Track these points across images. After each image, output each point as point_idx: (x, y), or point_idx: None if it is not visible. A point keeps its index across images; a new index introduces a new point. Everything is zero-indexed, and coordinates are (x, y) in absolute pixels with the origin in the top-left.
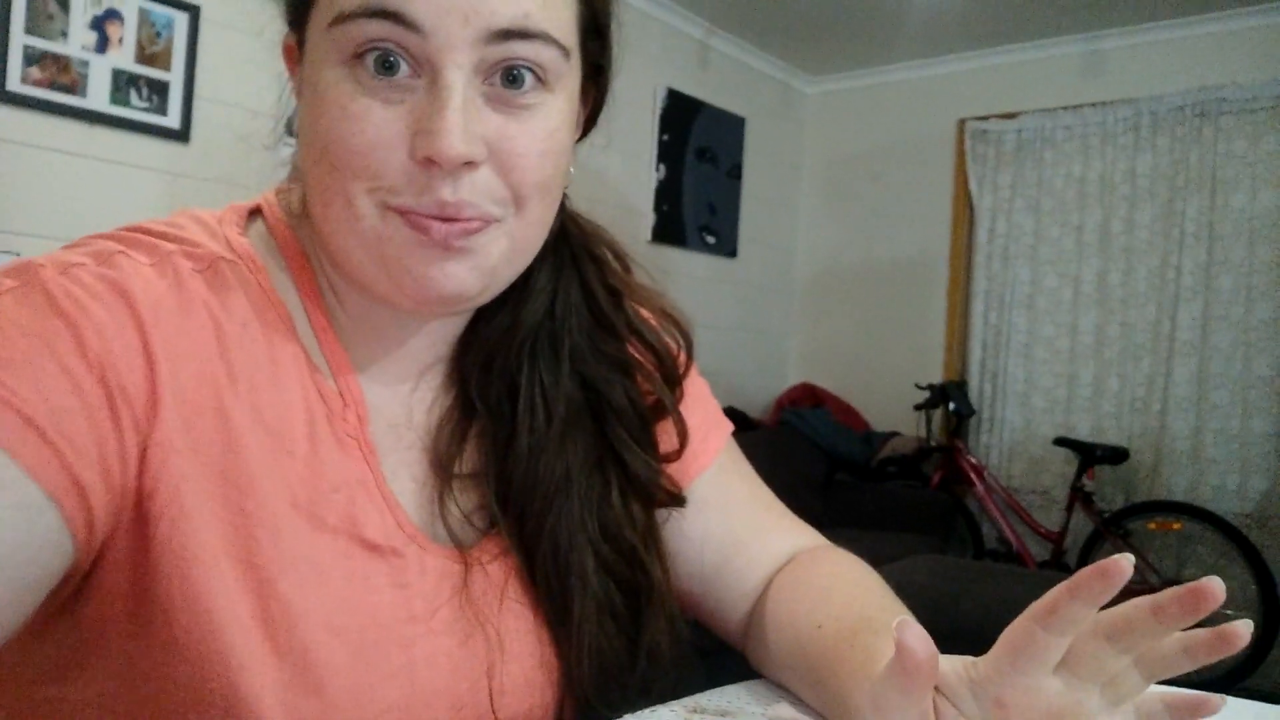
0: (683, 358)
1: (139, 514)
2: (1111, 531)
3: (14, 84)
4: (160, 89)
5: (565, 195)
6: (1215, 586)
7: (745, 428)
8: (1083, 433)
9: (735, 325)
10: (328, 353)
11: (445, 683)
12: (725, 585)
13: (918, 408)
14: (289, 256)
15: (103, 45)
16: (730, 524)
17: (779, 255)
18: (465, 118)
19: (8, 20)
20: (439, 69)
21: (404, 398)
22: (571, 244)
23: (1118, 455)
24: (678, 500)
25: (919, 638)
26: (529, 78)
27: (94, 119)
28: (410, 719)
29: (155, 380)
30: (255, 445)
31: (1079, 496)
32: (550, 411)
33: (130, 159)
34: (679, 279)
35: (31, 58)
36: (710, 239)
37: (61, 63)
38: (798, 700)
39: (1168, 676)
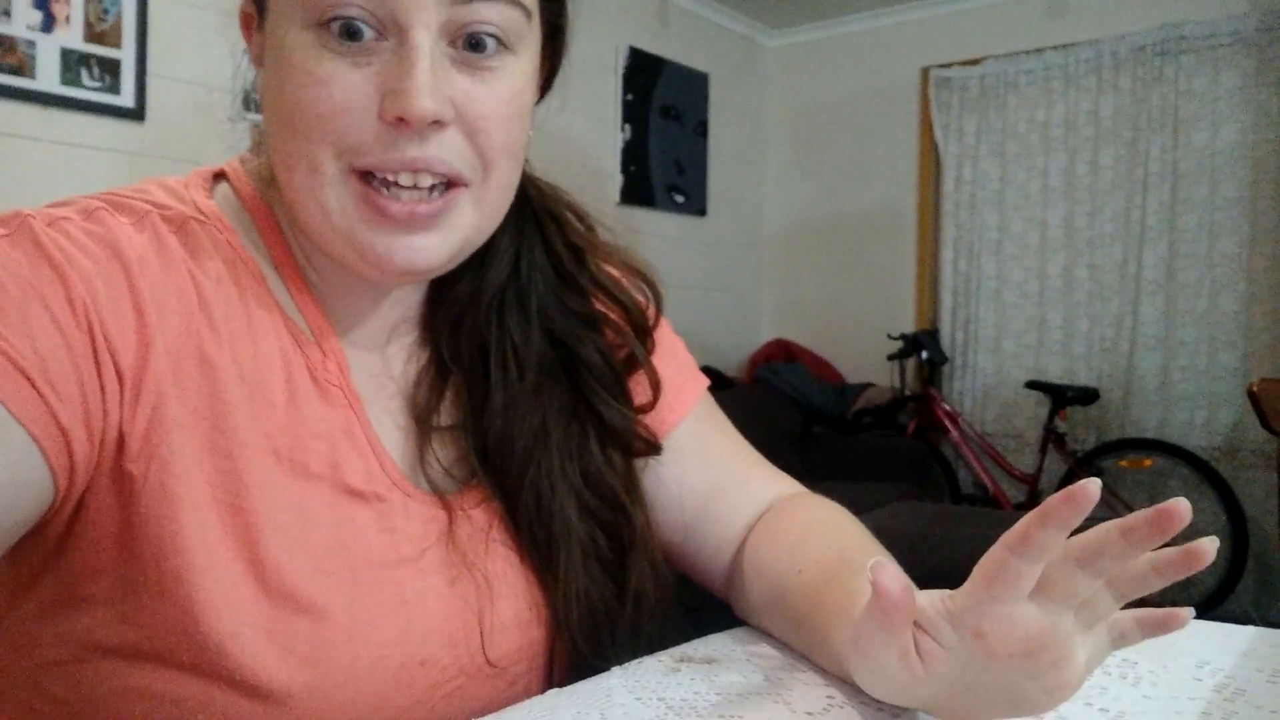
0: (651, 310)
1: (123, 460)
2: (1084, 471)
3: None
4: (112, 67)
5: (525, 159)
6: (1181, 507)
7: (721, 386)
8: (1054, 375)
9: (707, 284)
10: (303, 309)
11: (438, 621)
12: (705, 533)
13: (891, 358)
14: (257, 219)
15: (49, 24)
16: (708, 472)
17: (748, 212)
18: (434, 78)
19: None
20: (406, 30)
21: (380, 351)
22: (533, 206)
23: (1088, 396)
24: (654, 448)
25: (893, 576)
26: (492, 41)
27: (46, 100)
28: (407, 654)
29: (144, 328)
30: (237, 395)
31: (1052, 438)
32: (522, 367)
33: (85, 140)
34: (649, 239)
35: None
36: (679, 198)
37: (6, 43)
38: (782, 646)
39: (1139, 596)
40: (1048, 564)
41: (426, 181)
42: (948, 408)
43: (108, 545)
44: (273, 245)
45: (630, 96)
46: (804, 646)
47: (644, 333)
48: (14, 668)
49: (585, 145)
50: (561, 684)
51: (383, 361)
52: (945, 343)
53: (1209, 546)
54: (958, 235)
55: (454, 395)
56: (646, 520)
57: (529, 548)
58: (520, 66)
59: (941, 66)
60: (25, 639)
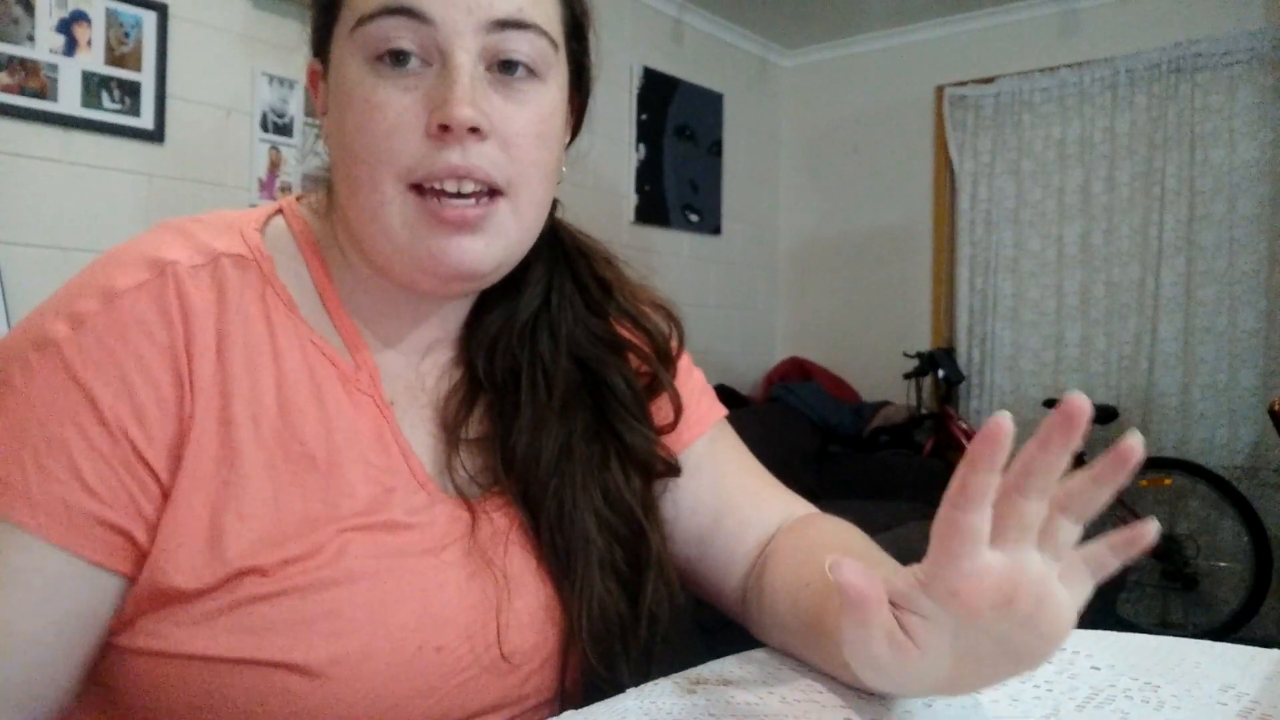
0: (674, 340)
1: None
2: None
3: None
4: (132, 90)
5: (556, 201)
6: (1134, 441)
7: (736, 404)
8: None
9: (722, 303)
10: (339, 326)
11: (455, 611)
12: (719, 549)
13: (907, 376)
14: (304, 246)
15: (71, 48)
16: (722, 489)
17: (762, 231)
18: (473, 92)
19: None
20: (448, 53)
21: (415, 366)
22: (563, 243)
23: (1107, 414)
24: (674, 470)
25: (854, 571)
26: (523, 66)
27: (67, 123)
28: (424, 639)
29: (183, 393)
30: (268, 417)
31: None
32: (550, 388)
33: (106, 162)
34: (664, 259)
35: None
36: (693, 217)
37: (30, 67)
38: (799, 667)
39: (1091, 512)
40: (993, 508)
41: (470, 188)
42: (965, 426)
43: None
44: (315, 271)
45: (644, 116)
46: (819, 660)
47: (667, 358)
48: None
49: (599, 165)
50: (573, 688)
51: (417, 375)
52: (961, 361)
53: (1134, 442)
54: (973, 253)
55: (484, 410)
56: (663, 544)
57: (548, 553)
58: (549, 94)
59: (956, 85)
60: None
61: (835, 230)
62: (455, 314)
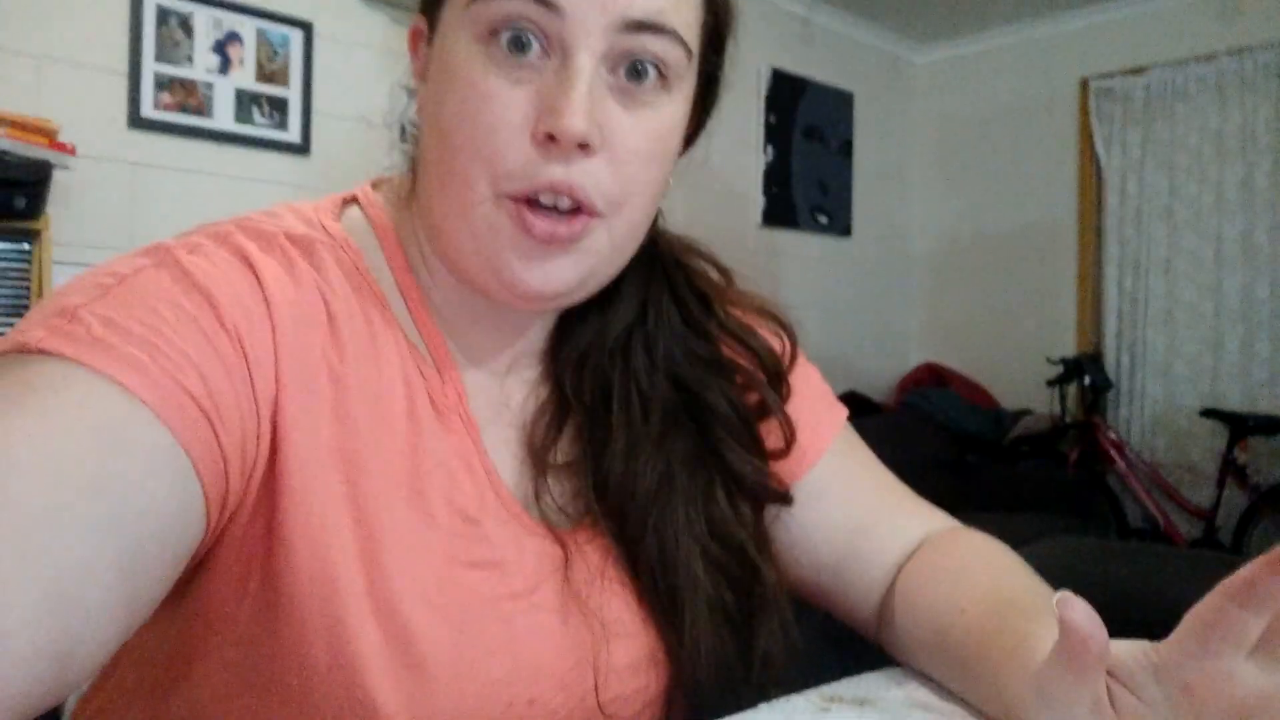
0: (786, 353)
1: (266, 484)
2: (1269, 505)
3: (147, 110)
4: (280, 105)
5: (660, 212)
6: None
7: (867, 412)
8: (1232, 402)
9: (853, 306)
10: (424, 333)
11: (548, 659)
12: (853, 573)
13: (1050, 383)
14: (385, 242)
15: (225, 67)
16: (853, 510)
17: (895, 232)
18: (590, 101)
19: (139, 49)
20: (570, 51)
21: (500, 381)
22: (661, 254)
23: (1273, 425)
24: (785, 499)
25: (1085, 614)
26: (653, 73)
27: (220, 138)
28: (514, 694)
29: (278, 354)
30: (363, 417)
31: (1231, 470)
32: (647, 410)
33: (256, 174)
34: (792, 261)
35: (161, 83)
36: (823, 219)
37: (189, 86)
38: (940, 689)
39: None
40: (1273, 618)
41: (565, 204)
42: (1113, 436)
43: (238, 572)
44: (398, 268)
45: (772, 118)
46: (969, 692)
47: (777, 378)
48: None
49: (726, 169)
50: None
51: (501, 391)
52: (1110, 367)
53: None
54: (1122, 253)
55: (573, 432)
56: (778, 578)
57: (649, 594)
58: (673, 108)
59: (1102, 76)
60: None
61: (972, 231)
62: (541, 326)
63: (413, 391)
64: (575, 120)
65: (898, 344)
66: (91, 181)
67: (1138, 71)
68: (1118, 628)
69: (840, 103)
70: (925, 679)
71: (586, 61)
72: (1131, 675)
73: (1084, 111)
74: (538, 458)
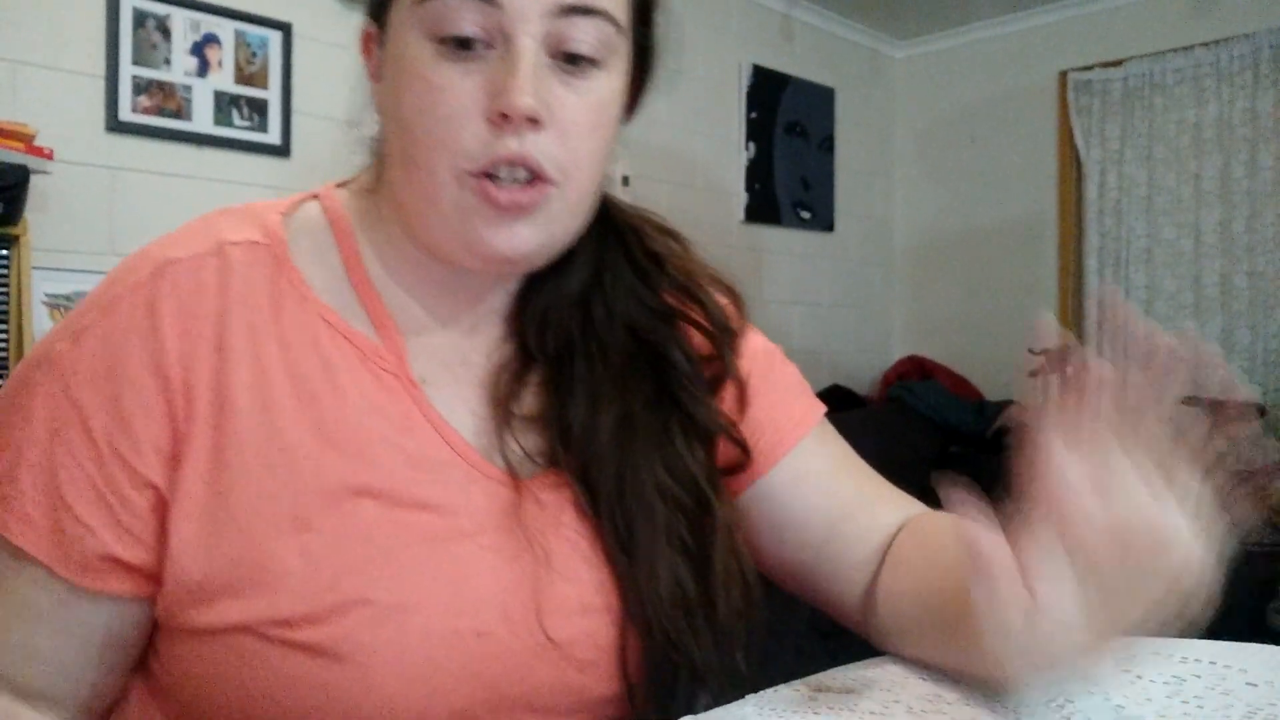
0: (735, 315)
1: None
2: (1250, 492)
3: (125, 113)
4: (260, 107)
5: (609, 179)
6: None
7: (852, 405)
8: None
9: (836, 301)
10: (366, 305)
11: (492, 592)
12: (835, 558)
13: (1033, 374)
14: (336, 229)
15: (204, 69)
16: (833, 495)
17: (877, 226)
18: (535, 80)
19: (116, 52)
20: (512, 37)
21: (458, 342)
22: (613, 218)
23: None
24: (742, 445)
25: (982, 534)
26: (587, 53)
27: (200, 140)
28: (459, 625)
29: (173, 395)
30: (278, 401)
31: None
32: (606, 360)
33: (236, 177)
34: (775, 257)
35: (139, 87)
36: (805, 214)
37: (167, 89)
38: (925, 675)
39: (1173, 399)
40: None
41: (522, 175)
42: None
43: (194, 550)
44: (346, 253)
45: (754, 114)
46: (958, 662)
47: (727, 331)
48: None
49: (708, 165)
50: (637, 678)
51: (458, 353)
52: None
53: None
54: (1102, 244)
55: (538, 387)
56: (732, 518)
57: (608, 530)
58: (609, 82)
59: (1081, 69)
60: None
61: (954, 224)
62: (503, 291)
63: (331, 358)
64: (524, 98)
65: (881, 337)
66: (70, 186)
67: (1115, 64)
68: None
69: (821, 98)
70: (910, 667)
71: (528, 45)
72: (1030, 562)
73: (1063, 104)
74: (501, 408)
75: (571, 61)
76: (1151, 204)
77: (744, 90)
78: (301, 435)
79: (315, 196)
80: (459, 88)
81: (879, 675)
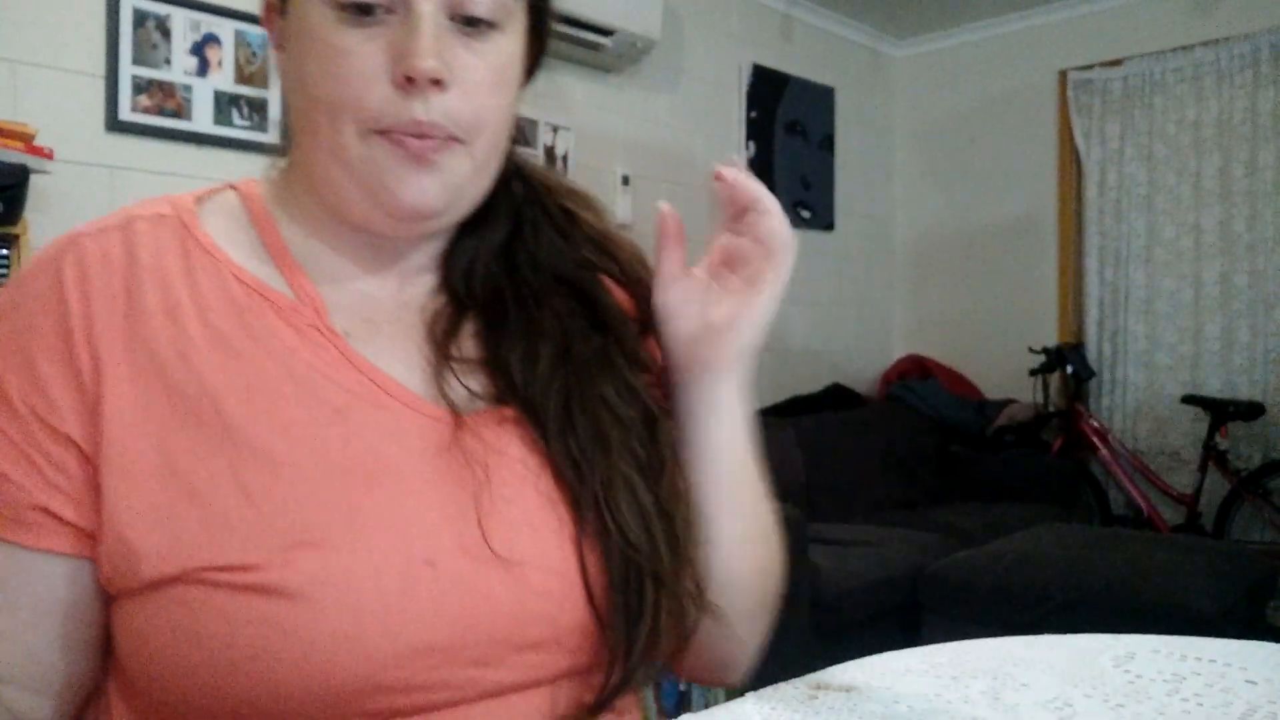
0: (647, 270)
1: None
2: (1250, 491)
3: (125, 113)
4: (259, 107)
5: (516, 143)
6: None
7: (852, 404)
8: (1213, 389)
9: (836, 300)
10: (283, 270)
11: (436, 520)
12: None
13: (1033, 373)
14: (250, 207)
15: (204, 69)
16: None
17: (878, 226)
18: (437, 43)
19: (116, 52)
20: (411, 3)
21: (383, 301)
22: (525, 178)
23: (1252, 410)
24: (667, 389)
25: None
26: (484, 15)
27: (200, 140)
28: (410, 555)
29: (81, 359)
30: (200, 355)
31: (1212, 456)
32: (538, 303)
33: (235, 176)
34: None
35: (139, 86)
36: (805, 213)
37: (167, 89)
38: (924, 673)
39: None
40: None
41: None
42: (1096, 424)
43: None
44: (261, 227)
45: (754, 114)
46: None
47: (642, 284)
48: None
49: (709, 164)
50: (603, 602)
51: (385, 310)
52: (1091, 356)
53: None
54: (1102, 243)
55: (474, 335)
56: (675, 435)
57: (560, 458)
58: (507, 44)
59: (1081, 69)
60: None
61: (954, 223)
62: (425, 251)
63: (248, 316)
64: (427, 60)
65: (881, 337)
66: (70, 185)
67: (1115, 64)
68: (1108, 612)
69: (821, 98)
70: (909, 664)
71: (427, 8)
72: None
73: (1063, 104)
74: (440, 352)
75: (470, 24)
76: (1151, 203)
77: (744, 90)
78: (226, 385)
79: (232, 187)
80: (362, 51)
81: (879, 674)
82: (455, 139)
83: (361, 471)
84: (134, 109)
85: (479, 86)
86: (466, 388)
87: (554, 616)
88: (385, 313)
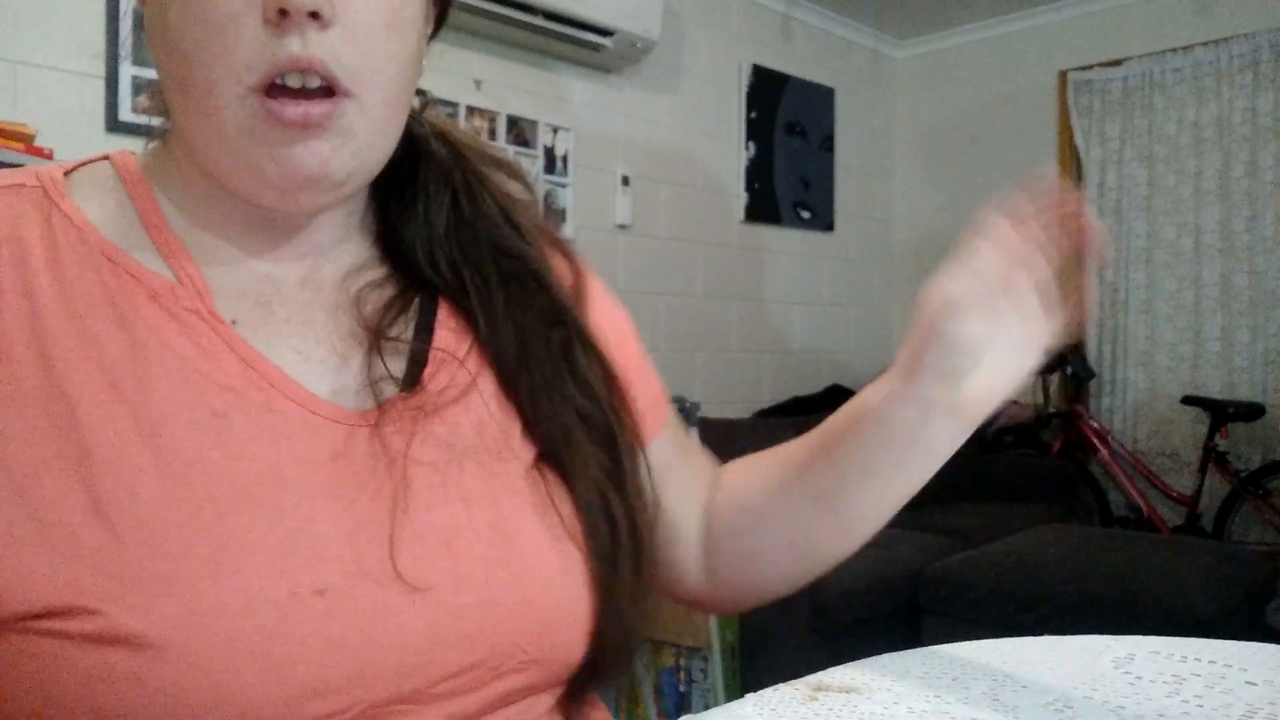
0: (580, 277)
1: None
2: (1250, 492)
3: (125, 114)
4: None
5: (428, 104)
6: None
7: None
8: (1213, 389)
9: (836, 300)
10: (161, 248)
11: (329, 541)
12: (670, 523)
13: (1033, 373)
14: (125, 178)
15: None
16: (684, 483)
17: (878, 226)
18: None
19: (117, 52)
20: None
21: (277, 281)
22: (458, 149)
23: (1253, 411)
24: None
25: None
26: None
27: None
28: (296, 584)
29: None
30: (56, 344)
31: (1212, 457)
32: (488, 283)
33: None
34: (775, 257)
35: (139, 87)
36: (805, 214)
37: (153, 87)
38: (925, 673)
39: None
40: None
41: (315, 83)
42: (1096, 425)
43: None
44: (138, 199)
45: (754, 114)
46: (829, 488)
47: (582, 273)
48: None
49: (708, 165)
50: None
51: (280, 290)
52: (1091, 357)
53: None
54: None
55: (401, 313)
56: (636, 431)
57: (540, 440)
58: None
59: (1080, 69)
60: None
61: (954, 224)
62: (326, 231)
63: (117, 298)
64: None
65: (881, 337)
66: None
67: (1115, 64)
68: (1108, 613)
69: (821, 98)
70: (912, 668)
71: None
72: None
73: (1063, 104)
74: (372, 333)
75: None
76: (1151, 203)
77: (744, 90)
78: (85, 382)
79: (105, 157)
80: None
81: (879, 675)
82: (341, 91)
83: (241, 486)
84: (134, 109)
85: (368, 26)
86: (370, 380)
87: (474, 637)
88: (284, 296)
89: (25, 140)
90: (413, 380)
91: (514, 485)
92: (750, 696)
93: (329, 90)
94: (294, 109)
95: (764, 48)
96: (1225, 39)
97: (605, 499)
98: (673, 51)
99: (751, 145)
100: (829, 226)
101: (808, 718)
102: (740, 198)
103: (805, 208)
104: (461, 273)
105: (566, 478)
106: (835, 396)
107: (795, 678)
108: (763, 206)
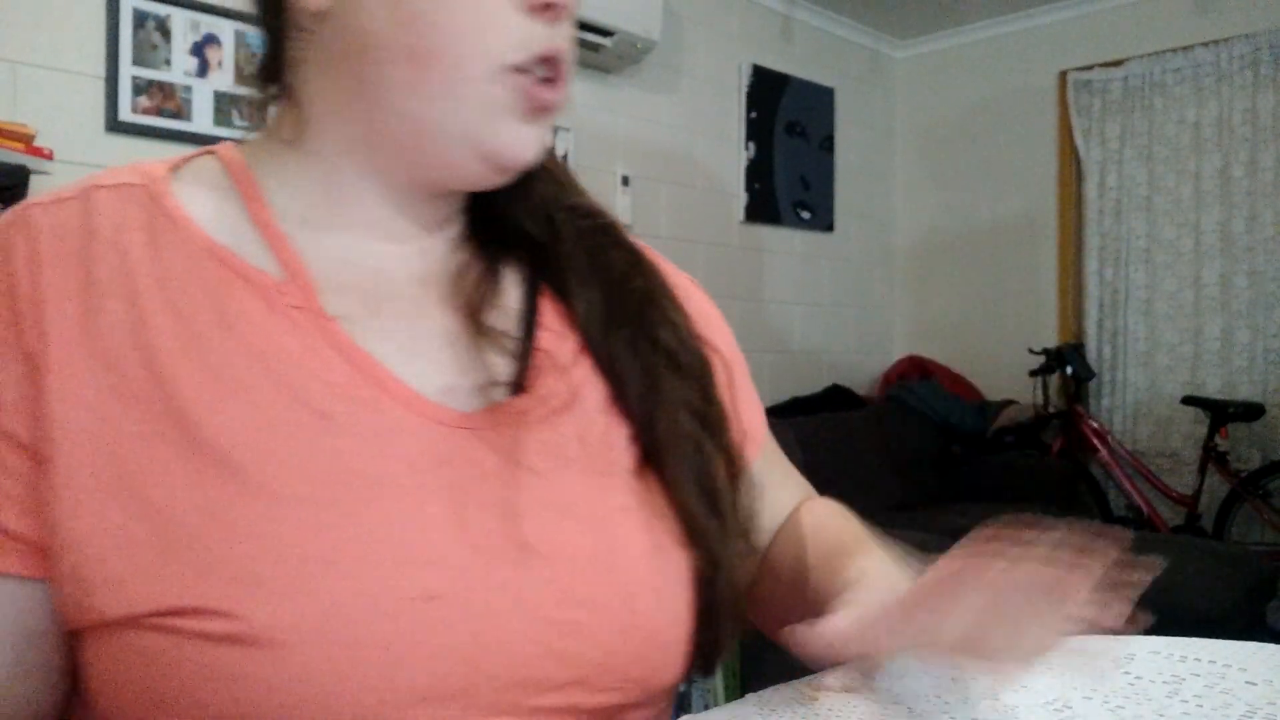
0: None
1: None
2: (1249, 492)
3: (125, 114)
4: (260, 107)
5: None
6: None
7: (852, 405)
8: (1213, 390)
9: (836, 301)
10: (269, 242)
11: (440, 546)
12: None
13: (1033, 374)
14: (233, 171)
15: (204, 70)
16: (779, 508)
17: (878, 226)
18: None
19: (117, 52)
20: None
21: (398, 270)
22: None
23: (1252, 411)
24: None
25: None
26: None
27: (200, 141)
28: (407, 588)
29: (34, 339)
30: (159, 344)
31: (1212, 457)
32: (581, 247)
33: None
34: (775, 257)
35: (139, 87)
36: (805, 214)
37: (167, 90)
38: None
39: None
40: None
41: (552, 71)
42: (1096, 425)
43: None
44: (245, 192)
45: (754, 114)
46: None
47: (688, 288)
48: None
49: (708, 165)
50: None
51: (389, 283)
52: (1091, 357)
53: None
54: (1102, 244)
55: (504, 308)
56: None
57: (639, 427)
58: None
59: (1081, 69)
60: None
61: (954, 224)
62: (447, 209)
63: (221, 296)
64: None
65: (881, 337)
66: None
67: (1115, 64)
68: None
69: (821, 98)
70: (910, 665)
71: None
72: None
73: (1063, 104)
74: (474, 321)
75: None
76: (1151, 204)
77: (744, 90)
78: (189, 380)
79: (211, 152)
80: None
81: (879, 676)
82: (564, 80)
83: (350, 488)
84: (134, 110)
85: (573, 11)
86: (500, 381)
87: (579, 653)
88: (392, 291)
89: (25, 140)
90: (519, 384)
91: (618, 498)
92: (751, 696)
93: (557, 76)
94: (550, 93)
95: (764, 48)
96: (1225, 39)
97: (712, 503)
98: (673, 51)
99: (751, 145)
100: (829, 226)
101: (808, 718)
102: (740, 198)
103: (805, 208)
104: (543, 234)
105: (670, 486)
106: (835, 397)
107: (795, 678)
108: (763, 206)
